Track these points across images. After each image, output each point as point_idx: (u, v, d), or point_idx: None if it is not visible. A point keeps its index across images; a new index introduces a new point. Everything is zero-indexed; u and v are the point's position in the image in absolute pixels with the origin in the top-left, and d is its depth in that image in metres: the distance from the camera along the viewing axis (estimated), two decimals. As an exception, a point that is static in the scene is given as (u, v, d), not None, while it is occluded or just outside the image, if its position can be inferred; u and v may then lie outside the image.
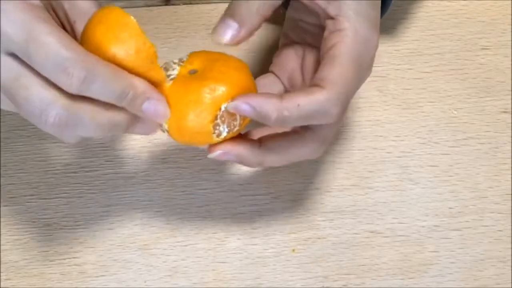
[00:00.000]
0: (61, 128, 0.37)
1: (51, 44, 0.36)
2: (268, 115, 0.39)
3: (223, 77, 0.41)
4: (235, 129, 0.41)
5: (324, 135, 0.43)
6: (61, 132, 0.38)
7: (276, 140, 0.42)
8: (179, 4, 0.58)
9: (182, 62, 0.43)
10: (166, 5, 0.58)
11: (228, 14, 0.41)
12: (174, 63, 0.43)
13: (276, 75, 0.47)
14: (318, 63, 0.43)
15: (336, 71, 0.40)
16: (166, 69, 0.42)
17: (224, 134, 0.41)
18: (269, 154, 0.42)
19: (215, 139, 0.41)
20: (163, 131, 0.42)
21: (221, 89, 0.40)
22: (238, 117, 0.41)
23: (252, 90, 0.42)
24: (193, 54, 0.44)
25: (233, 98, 0.40)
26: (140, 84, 0.39)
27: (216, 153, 0.42)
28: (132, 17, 0.38)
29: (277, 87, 0.46)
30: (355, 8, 0.41)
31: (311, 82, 0.41)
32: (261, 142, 0.43)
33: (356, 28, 0.41)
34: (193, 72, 0.42)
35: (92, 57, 0.37)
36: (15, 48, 0.36)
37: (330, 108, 0.40)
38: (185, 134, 0.41)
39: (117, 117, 0.39)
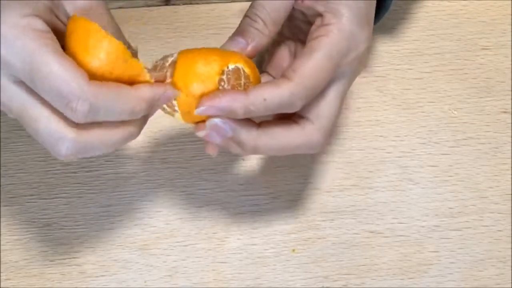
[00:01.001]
0: (74, 156, 0.39)
1: (52, 77, 0.36)
2: (236, 112, 0.40)
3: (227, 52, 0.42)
4: None
5: (321, 125, 0.42)
6: (75, 158, 0.39)
7: (273, 124, 0.42)
8: (179, 4, 0.58)
9: (171, 56, 0.42)
10: (166, 5, 0.58)
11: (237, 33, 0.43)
12: (161, 59, 0.42)
13: (270, 74, 0.47)
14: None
15: (308, 64, 0.40)
16: (158, 66, 0.42)
17: None
18: (264, 136, 0.42)
19: None
20: (170, 112, 0.42)
21: (230, 52, 0.41)
22: (242, 82, 0.41)
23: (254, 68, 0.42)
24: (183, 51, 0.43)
25: (239, 62, 0.41)
26: (146, 91, 0.39)
27: (210, 122, 0.41)
28: (93, 23, 0.38)
29: None
30: (344, 3, 0.41)
31: (283, 72, 0.41)
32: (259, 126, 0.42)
33: (343, 23, 0.41)
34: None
35: (93, 86, 0.37)
36: (21, 77, 0.37)
37: (295, 101, 0.40)
38: (190, 94, 0.40)
39: (129, 129, 0.40)
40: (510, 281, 0.51)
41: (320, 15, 0.42)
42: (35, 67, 0.36)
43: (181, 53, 0.42)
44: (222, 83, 0.40)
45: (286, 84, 0.40)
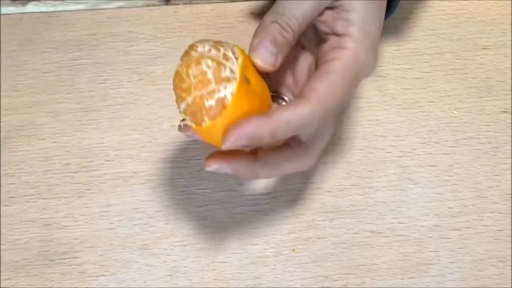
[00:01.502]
0: None
1: None
2: (263, 137, 0.39)
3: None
4: None
5: (315, 149, 0.43)
6: None
7: (270, 154, 0.42)
8: (179, 4, 0.58)
9: (234, 53, 0.40)
10: (166, 5, 0.58)
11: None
12: (227, 50, 0.40)
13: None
14: (310, 69, 0.44)
15: (326, 85, 0.40)
16: (225, 56, 0.39)
17: None
18: (263, 167, 0.42)
19: None
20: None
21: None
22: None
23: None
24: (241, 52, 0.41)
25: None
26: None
27: (213, 167, 0.41)
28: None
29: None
30: (362, 29, 0.41)
31: (300, 91, 0.41)
32: (255, 155, 0.42)
33: (358, 50, 0.41)
34: (247, 82, 0.40)
35: None
36: None
37: (314, 120, 0.40)
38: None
39: None
40: (510, 281, 0.51)
41: (337, 35, 0.42)
42: None
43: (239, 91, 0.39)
44: None
45: (305, 103, 0.39)
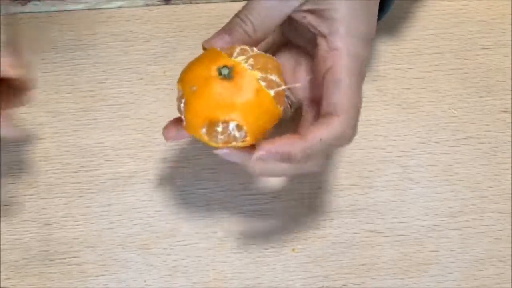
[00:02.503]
0: None
1: None
2: (295, 157, 0.41)
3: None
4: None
5: (330, 152, 0.45)
6: None
7: (309, 129, 0.43)
8: (179, 4, 0.58)
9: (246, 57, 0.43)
10: (166, 4, 0.58)
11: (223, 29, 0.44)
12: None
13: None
14: (310, 68, 0.44)
15: (346, 96, 0.41)
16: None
17: None
18: (309, 146, 0.42)
19: None
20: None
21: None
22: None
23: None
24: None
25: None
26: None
27: (261, 153, 0.42)
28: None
29: None
30: (346, 26, 0.42)
31: (323, 109, 0.42)
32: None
33: (349, 47, 0.42)
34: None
35: None
36: None
37: (347, 133, 0.42)
38: None
39: None
40: (510, 281, 0.51)
41: (323, 36, 0.42)
42: None
43: None
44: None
45: (336, 120, 0.41)
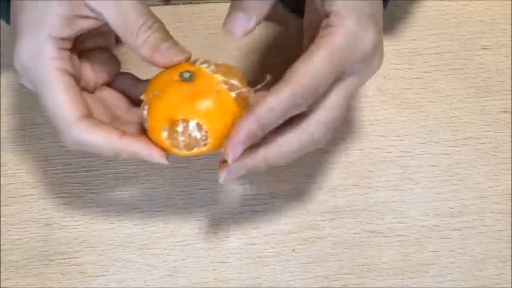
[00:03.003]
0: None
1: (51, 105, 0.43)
2: (256, 134, 0.40)
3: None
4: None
5: (318, 117, 0.42)
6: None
7: (276, 134, 0.42)
8: (179, 4, 0.58)
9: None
10: (166, 5, 0.58)
11: (236, 8, 0.43)
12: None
13: None
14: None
15: (306, 65, 0.40)
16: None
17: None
18: (271, 151, 0.42)
19: None
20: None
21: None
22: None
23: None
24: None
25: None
26: (132, 147, 0.43)
27: (223, 177, 0.43)
28: None
29: None
30: (349, 4, 0.41)
31: (282, 76, 0.41)
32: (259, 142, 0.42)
33: (346, 24, 0.41)
34: None
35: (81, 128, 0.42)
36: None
37: (297, 100, 0.40)
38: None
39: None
40: (510, 281, 0.51)
41: (327, 15, 0.42)
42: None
43: None
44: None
45: (284, 87, 0.40)
